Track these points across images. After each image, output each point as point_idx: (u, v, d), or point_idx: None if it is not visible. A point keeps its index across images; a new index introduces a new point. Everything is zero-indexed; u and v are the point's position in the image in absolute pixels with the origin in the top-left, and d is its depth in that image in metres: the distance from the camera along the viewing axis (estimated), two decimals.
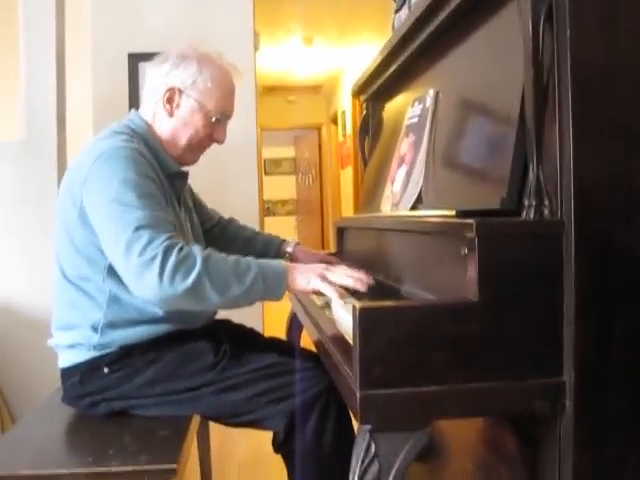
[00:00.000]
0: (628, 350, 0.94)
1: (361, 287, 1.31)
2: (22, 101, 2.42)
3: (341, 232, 2.22)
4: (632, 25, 0.95)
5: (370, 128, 2.30)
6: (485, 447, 1.24)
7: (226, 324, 1.80)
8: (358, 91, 2.32)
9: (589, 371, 0.94)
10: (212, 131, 1.61)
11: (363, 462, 0.92)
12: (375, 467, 0.92)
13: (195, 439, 1.47)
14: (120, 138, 1.48)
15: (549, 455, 0.98)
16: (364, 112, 2.37)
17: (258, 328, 1.88)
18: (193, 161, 1.67)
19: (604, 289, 0.94)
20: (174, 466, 1.20)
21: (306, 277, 1.36)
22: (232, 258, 1.38)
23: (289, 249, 1.94)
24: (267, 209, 10.55)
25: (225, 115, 1.62)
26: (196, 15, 3.31)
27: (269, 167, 10.83)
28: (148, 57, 3.25)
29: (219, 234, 1.95)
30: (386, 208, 1.67)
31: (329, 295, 1.32)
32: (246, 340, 1.71)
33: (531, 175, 0.98)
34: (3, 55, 2.97)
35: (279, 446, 1.44)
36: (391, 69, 1.89)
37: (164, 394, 1.47)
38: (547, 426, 0.98)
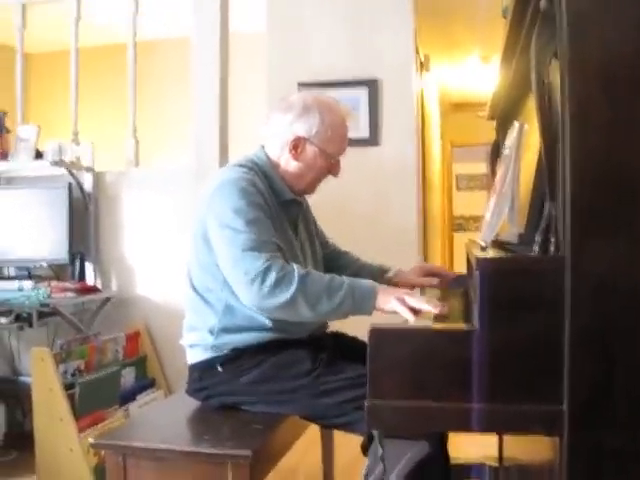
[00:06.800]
0: (625, 386, 0.96)
1: (434, 309, 1.43)
2: (192, 135, 2.84)
3: None
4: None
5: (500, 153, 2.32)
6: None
7: (334, 334, 1.99)
8: (490, 115, 2.35)
9: (584, 404, 0.97)
10: (330, 168, 1.85)
11: (371, 461, 1.05)
12: (380, 467, 1.05)
13: (289, 434, 1.66)
14: (239, 170, 1.75)
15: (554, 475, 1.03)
16: (495, 136, 2.39)
17: None
18: (313, 192, 1.93)
19: (602, 325, 0.97)
20: (248, 452, 1.41)
21: (387, 298, 1.53)
22: (327, 277, 1.59)
23: (390, 274, 2.06)
24: (458, 225, 10.52)
25: (340, 154, 1.86)
26: (358, 45, 3.57)
27: (461, 182, 10.80)
28: (316, 86, 3.61)
29: (331, 260, 2.12)
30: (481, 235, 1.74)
31: (404, 315, 1.47)
32: (348, 349, 1.88)
33: (545, 212, 1.05)
34: (182, 99, 3.45)
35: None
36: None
37: (267, 393, 1.69)
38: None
